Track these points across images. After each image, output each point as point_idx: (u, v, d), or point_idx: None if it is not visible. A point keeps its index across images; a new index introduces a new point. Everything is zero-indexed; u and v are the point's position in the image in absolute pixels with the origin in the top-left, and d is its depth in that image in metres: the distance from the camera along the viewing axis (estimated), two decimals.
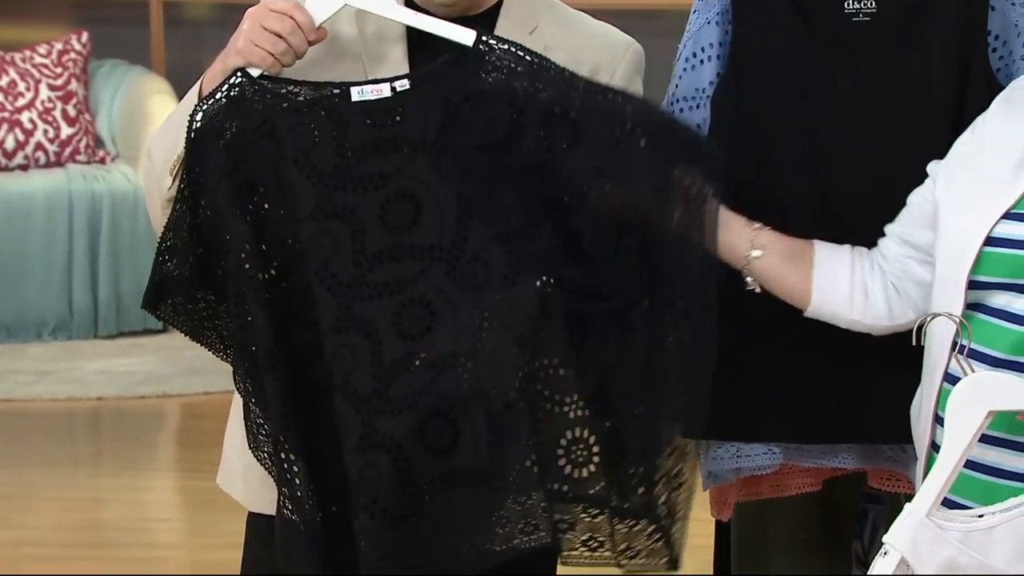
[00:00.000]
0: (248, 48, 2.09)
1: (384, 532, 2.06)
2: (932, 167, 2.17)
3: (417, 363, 2.07)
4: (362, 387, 2.07)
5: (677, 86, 2.34)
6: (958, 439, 1.91)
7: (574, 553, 2.17)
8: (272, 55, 2.09)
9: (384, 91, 2.10)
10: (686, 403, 2.13)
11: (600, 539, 2.16)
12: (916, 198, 2.17)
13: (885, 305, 2.18)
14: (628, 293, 2.10)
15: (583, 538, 2.16)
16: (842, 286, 2.18)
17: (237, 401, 2.23)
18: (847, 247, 2.20)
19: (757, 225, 2.18)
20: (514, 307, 2.07)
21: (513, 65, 2.09)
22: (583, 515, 2.14)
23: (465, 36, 2.11)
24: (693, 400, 2.12)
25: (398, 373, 2.07)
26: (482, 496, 2.07)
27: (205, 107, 2.09)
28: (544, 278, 2.07)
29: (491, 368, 2.06)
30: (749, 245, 2.17)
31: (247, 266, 2.07)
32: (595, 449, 2.11)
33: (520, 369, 2.06)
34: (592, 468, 2.11)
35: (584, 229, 2.08)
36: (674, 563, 2.16)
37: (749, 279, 2.19)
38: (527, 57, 2.09)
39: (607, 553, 2.16)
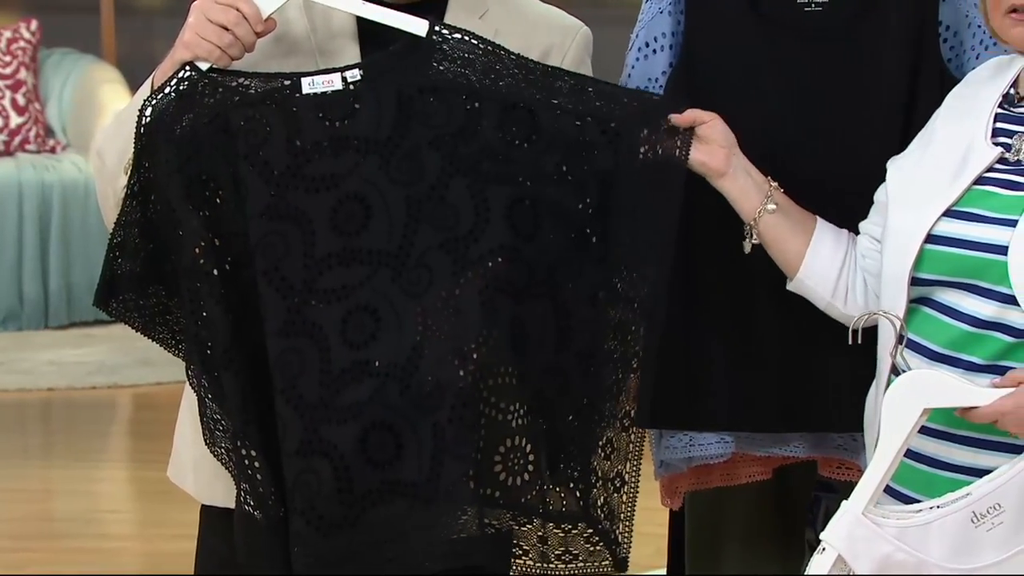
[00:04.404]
0: (194, 41, 2.08)
1: (319, 539, 2.05)
2: (890, 163, 2.17)
3: (366, 372, 2.06)
4: (308, 393, 2.05)
5: (629, 76, 2.34)
6: (893, 436, 1.92)
7: None
8: (219, 47, 2.07)
9: (335, 82, 2.08)
10: (622, 400, 2.12)
11: (524, 547, 2.16)
12: (879, 195, 2.18)
13: (863, 301, 2.19)
14: (577, 288, 2.10)
15: None
16: (833, 269, 2.19)
17: (188, 393, 2.22)
18: (846, 233, 2.21)
19: (773, 182, 2.19)
20: (457, 317, 2.05)
21: (467, 55, 2.08)
22: (511, 522, 2.13)
23: (418, 26, 2.09)
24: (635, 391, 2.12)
25: (347, 382, 2.06)
26: (419, 510, 2.06)
27: (154, 102, 2.07)
28: (490, 282, 2.06)
29: (434, 380, 2.05)
30: (767, 198, 2.17)
31: (201, 261, 2.05)
32: (531, 457, 2.11)
33: (463, 380, 2.05)
34: (526, 476, 2.10)
35: (541, 219, 2.08)
36: (621, 564, 2.16)
37: (749, 235, 2.19)
38: (481, 46, 2.09)
39: (530, 561, 2.16)
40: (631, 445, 2.14)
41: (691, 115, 2.14)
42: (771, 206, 2.17)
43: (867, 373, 2.17)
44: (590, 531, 2.14)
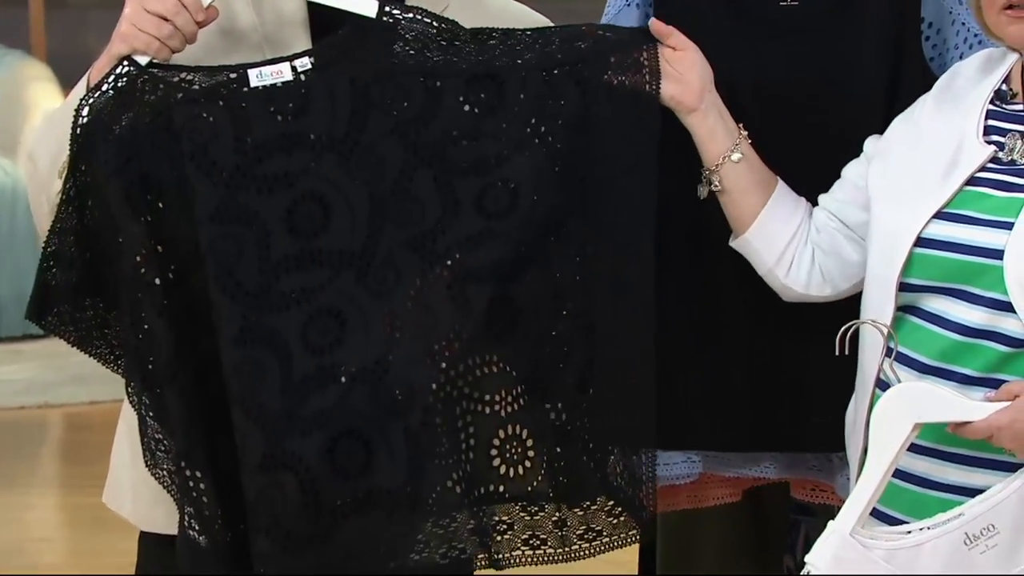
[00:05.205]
0: (131, 33, 2.07)
1: (286, 557, 2.05)
2: (869, 144, 2.18)
3: (331, 378, 2.06)
4: (269, 404, 2.05)
5: None
6: (883, 453, 1.92)
7: (516, 554, 2.16)
8: (158, 39, 2.07)
9: (285, 72, 2.08)
10: (627, 355, 2.13)
11: (542, 536, 2.16)
12: (850, 173, 2.19)
13: (806, 276, 2.20)
14: (565, 248, 2.11)
15: (523, 537, 2.16)
16: (784, 235, 2.20)
17: (126, 411, 2.21)
18: (804, 202, 2.23)
19: (744, 131, 2.20)
20: (427, 314, 2.06)
21: (422, 33, 2.09)
22: (522, 514, 2.15)
23: (367, 7, 2.10)
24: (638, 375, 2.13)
25: (310, 390, 2.06)
26: (399, 520, 2.07)
27: (91, 100, 2.06)
28: (460, 274, 2.07)
29: (405, 382, 2.06)
30: (735, 146, 2.18)
31: (143, 270, 2.04)
32: (529, 443, 2.13)
33: (436, 380, 2.06)
34: (528, 464, 2.13)
35: (518, 194, 2.09)
36: (648, 528, 2.18)
37: (707, 181, 2.20)
38: (435, 23, 2.10)
39: (550, 550, 2.17)
40: (644, 401, 2.14)
41: (670, 30, 2.16)
42: (736, 155, 2.18)
43: (845, 387, 2.17)
44: (611, 503, 2.15)
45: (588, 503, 2.15)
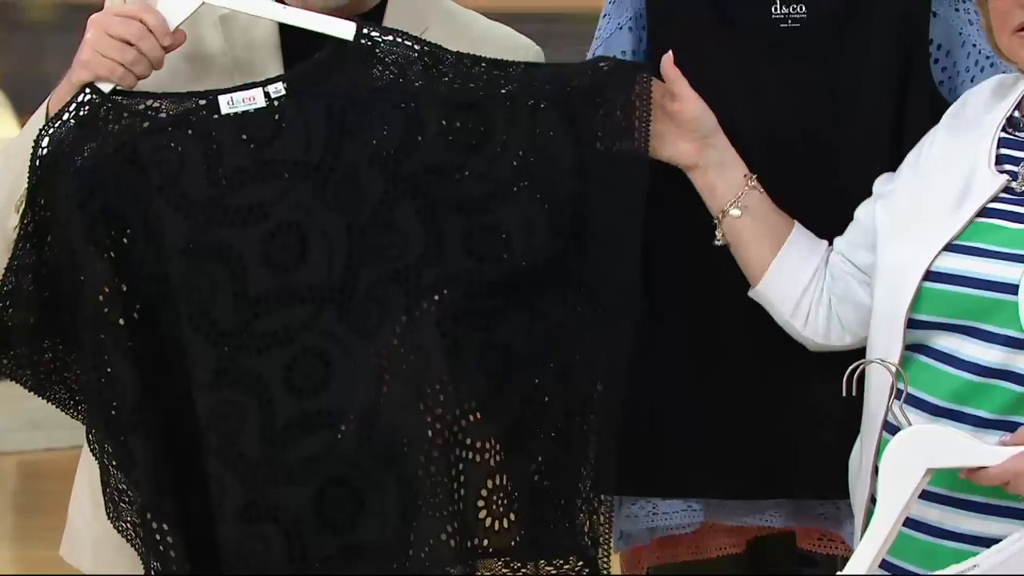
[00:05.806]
0: (94, 59, 2.07)
1: None
2: (879, 183, 2.18)
3: (317, 424, 2.05)
4: (249, 451, 2.05)
5: None
6: (893, 501, 1.91)
7: None
8: (122, 65, 2.07)
9: (258, 99, 2.09)
10: (596, 410, 2.12)
11: None
12: (861, 214, 2.20)
13: (825, 325, 2.21)
14: (549, 306, 2.11)
15: None
16: (797, 286, 2.21)
17: (86, 459, 2.21)
18: (824, 245, 2.23)
19: (753, 181, 2.21)
20: (416, 354, 2.06)
21: (402, 57, 2.10)
22: (504, 571, 2.15)
23: (344, 30, 2.10)
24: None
25: (295, 436, 2.05)
26: (388, 573, 2.06)
27: (52, 131, 2.06)
28: (448, 311, 2.07)
29: (398, 428, 2.05)
30: (735, 199, 2.20)
31: (106, 310, 2.04)
32: (515, 495, 2.12)
33: (431, 427, 2.06)
34: (513, 517, 2.12)
35: (508, 235, 2.09)
36: None
37: (718, 233, 2.22)
38: (417, 46, 2.10)
39: None
40: (605, 457, 2.13)
41: (676, 75, 2.17)
42: (735, 211, 2.20)
43: (850, 433, 2.16)
44: (581, 563, 2.14)
45: (561, 562, 2.15)
